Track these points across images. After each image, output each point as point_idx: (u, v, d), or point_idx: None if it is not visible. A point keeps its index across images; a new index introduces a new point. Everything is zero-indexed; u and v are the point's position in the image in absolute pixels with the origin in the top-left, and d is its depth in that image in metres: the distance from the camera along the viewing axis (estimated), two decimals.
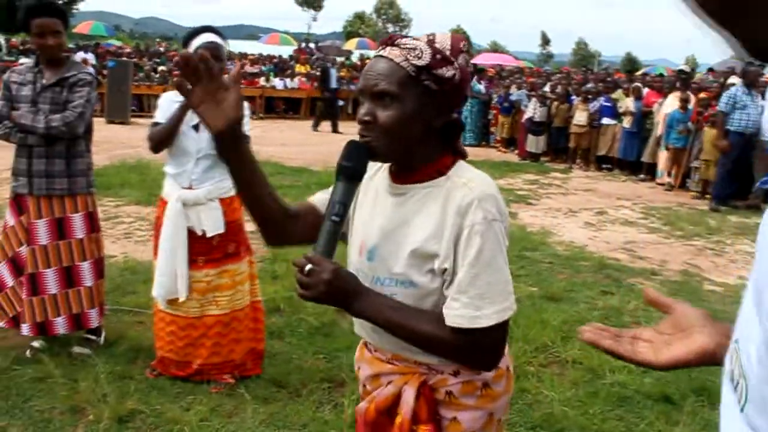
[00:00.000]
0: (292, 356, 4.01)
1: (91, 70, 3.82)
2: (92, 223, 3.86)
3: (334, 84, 17.56)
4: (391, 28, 73.48)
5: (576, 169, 12.99)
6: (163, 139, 3.44)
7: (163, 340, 3.66)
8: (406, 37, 1.49)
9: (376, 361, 1.65)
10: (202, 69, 1.37)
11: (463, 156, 1.59)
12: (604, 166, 13.14)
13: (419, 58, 1.44)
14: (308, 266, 1.41)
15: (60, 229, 3.74)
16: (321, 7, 74.92)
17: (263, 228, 1.68)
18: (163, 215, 3.52)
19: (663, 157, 11.47)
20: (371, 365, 1.67)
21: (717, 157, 9.76)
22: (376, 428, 1.64)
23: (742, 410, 0.69)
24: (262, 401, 3.50)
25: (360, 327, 1.65)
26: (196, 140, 3.45)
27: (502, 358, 1.54)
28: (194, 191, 3.47)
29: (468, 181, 1.47)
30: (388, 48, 1.48)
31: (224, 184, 3.45)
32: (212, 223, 3.48)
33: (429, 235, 1.46)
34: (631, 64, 59.72)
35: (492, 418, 1.61)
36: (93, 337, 4.00)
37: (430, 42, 1.47)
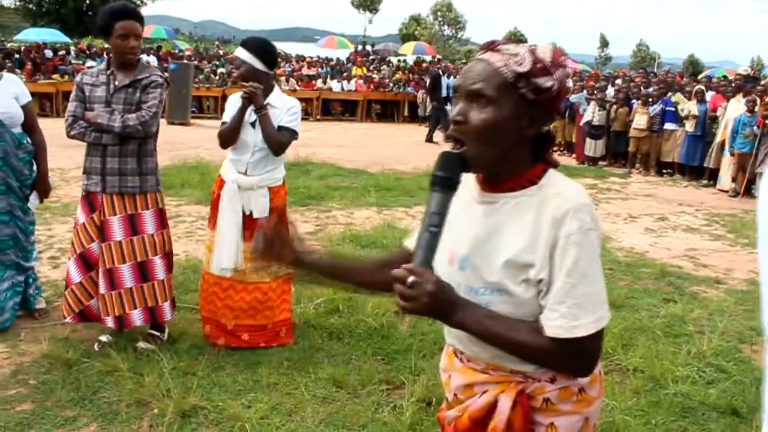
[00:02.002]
0: (351, 357, 4.03)
1: (161, 73, 3.92)
2: (162, 219, 3.99)
3: (444, 92, 16.57)
4: (447, 30, 73.28)
5: (635, 174, 12.73)
6: (229, 136, 3.91)
7: (205, 300, 4.11)
8: (507, 43, 1.50)
9: (469, 370, 1.64)
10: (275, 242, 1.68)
11: (553, 165, 1.58)
12: (664, 171, 12.85)
13: (520, 64, 1.44)
14: (411, 278, 1.39)
15: (132, 225, 3.85)
16: (377, 9, 75.21)
17: (362, 291, 1.82)
18: (220, 191, 4.00)
19: (726, 163, 11.16)
20: (464, 375, 1.66)
21: None
22: None
23: None
24: (321, 401, 3.53)
25: (453, 337, 1.65)
26: (253, 135, 3.89)
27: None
28: (249, 177, 3.93)
29: (561, 192, 1.48)
30: (489, 52, 1.49)
31: (275, 175, 3.99)
32: (259, 208, 3.92)
33: (523, 245, 1.47)
34: (693, 67, 58.22)
35: (588, 422, 1.62)
36: (157, 334, 4.10)
37: (532, 51, 1.47)
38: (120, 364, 3.67)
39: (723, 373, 4.05)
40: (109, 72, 3.80)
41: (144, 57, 18.72)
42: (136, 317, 3.95)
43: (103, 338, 4.02)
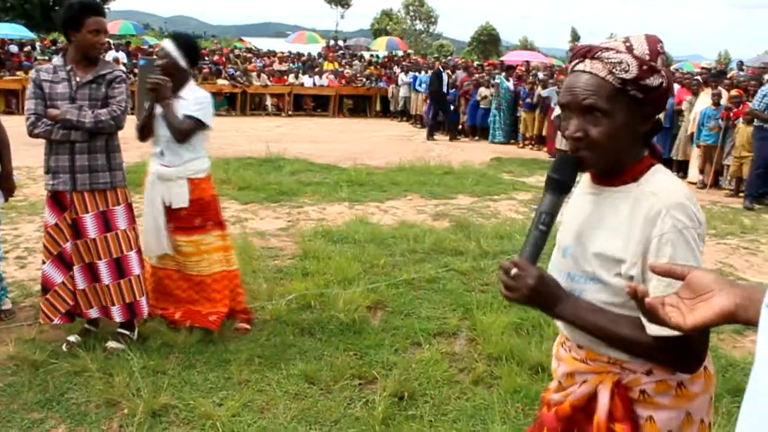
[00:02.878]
0: (323, 353, 4.02)
1: (122, 67, 3.93)
2: (132, 214, 3.98)
3: (445, 88, 16.29)
4: (419, 25, 73.33)
5: None
6: (141, 129, 4.08)
7: (149, 287, 4.23)
8: (603, 48, 1.50)
9: (572, 359, 1.72)
10: None
11: (658, 156, 1.62)
12: None
13: (626, 71, 1.46)
14: (514, 270, 1.48)
15: (105, 222, 3.83)
16: (349, 4, 74.98)
17: None
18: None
19: (693, 155, 11.32)
20: (567, 364, 1.73)
21: (751, 154, 9.60)
22: (570, 424, 1.70)
23: None
24: (293, 397, 3.52)
25: (560, 323, 1.72)
26: (165, 127, 3.99)
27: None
28: (167, 169, 4.06)
29: (656, 190, 1.51)
30: (588, 61, 1.51)
31: (195, 167, 4.08)
32: (177, 198, 4.05)
33: (613, 241, 1.53)
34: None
35: (691, 418, 1.61)
36: (127, 333, 4.06)
37: (629, 49, 1.48)
38: (89, 365, 3.63)
39: None
40: (68, 68, 3.74)
41: (112, 52, 18.55)
42: (116, 313, 3.93)
43: (72, 338, 3.97)
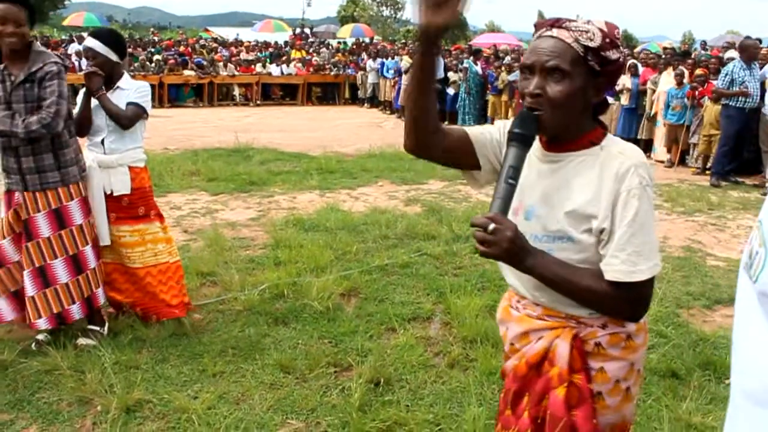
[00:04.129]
0: (298, 342, 4.01)
1: (55, 57, 3.70)
2: (87, 207, 3.91)
3: (441, 73, 15.84)
4: (386, 11, 73.03)
5: None
6: (79, 122, 4.01)
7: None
8: (571, 20, 1.65)
9: (525, 318, 1.81)
10: None
11: (605, 128, 1.74)
12: None
13: (591, 39, 1.60)
14: (492, 225, 1.53)
15: (59, 219, 3.74)
16: None
17: (414, 127, 1.76)
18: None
19: (660, 134, 11.43)
20: (520, 323, 1.82)
21: (719, 132, 9.72)
22: (526, 382, 1.79)
23: (756, 281, 0.84)
24: (268, 387, 3.50)
25: (516, 280, 1.80)
26: (104, 117, 3.99)
27: None
28: (108, 156, 4.03)
29: (622, 151, 1.64)
30: (556, 29, 1.63)
31: (135, 155, 4.10)
32: (120, 184, 4.03)
33: (587, 198, 1.63)
34: (627, 41, 59.38)
35: (633, 367, 1.77)
36: (96, 328, 4.00)
37: (598, 27, 1.62)
38: (59, 362, 3.57)
39: (663, 338, 4.16)
40: (2, 67, 3.61)
41: (75, 45, 18.21)
42: (75, 311, 3.86)
43: (41, 337, 3.90)
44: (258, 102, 19.55)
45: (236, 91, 19.82)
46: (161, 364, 3.70)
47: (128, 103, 3.99)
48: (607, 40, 1.60)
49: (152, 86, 20.55)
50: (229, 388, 3.48)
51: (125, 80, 4.06)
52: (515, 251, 1.56)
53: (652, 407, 3.40)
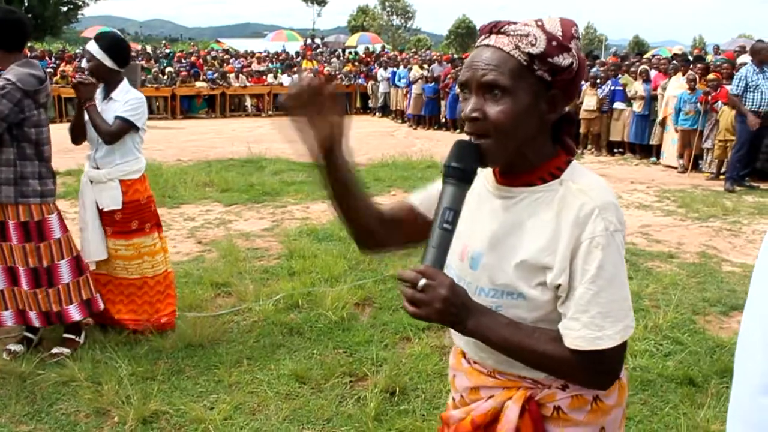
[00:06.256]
0: (313, 351, 4.01)
1: (7, 74, 3.56)
2: (27, 233, 3.71)
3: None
4: (396, 20, 73.29)
5: (588, 155, 12.90)
6: (72, 132, 4.07)
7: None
8: (513, 23, 1.33)
9: (476, 372, 1.52)
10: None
11: (572, 153, 1.43)
12: (615, 150, 13.06)
13: (533, 45, 1.29)
14: (423, 281, 1.27)
15: (26, 233, 3.69)
16: (325, 2, 74.84)
17: (357, 237, 1.58)
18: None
19: (667, 139, 11.39)
20: (470, 376, 1.54)
21: (734, 138, 9.66)
22: None
23: None
24: (284, 397, 3.51)
25: (459, 338, 1.53)
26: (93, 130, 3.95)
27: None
28: (98, 171, 4.02)
29: (585, 188, 1.33)
30: (494, 36, 1.33)
31: (127, 168, 4.03)
32: (109, 200, 4.02)
33: (541, 246, 1.33)
34: (638, 47, 59.24)
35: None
36: (72, 336, 4.00)
37: (541, 27, 1.32)
38: (77, 374, 3.60)
39: (679, 345, 4.14)
40: None
41: None
42: (34, 319, 3.87)
43: (12, 347, 3.93)
44: (270, 112, 19.64)
45: (248, 102, 19.93)
46: (177, 375, 3.71)
47: (115, 117, 3.90)
48: (554, 43, 1.30)
49: (164, 99, 20.65)
50: (245, 398, 3.49)
51: (120, 91, 3.97)
52: (452, 312, 1.29)
53: (669, 415, 3.38)
